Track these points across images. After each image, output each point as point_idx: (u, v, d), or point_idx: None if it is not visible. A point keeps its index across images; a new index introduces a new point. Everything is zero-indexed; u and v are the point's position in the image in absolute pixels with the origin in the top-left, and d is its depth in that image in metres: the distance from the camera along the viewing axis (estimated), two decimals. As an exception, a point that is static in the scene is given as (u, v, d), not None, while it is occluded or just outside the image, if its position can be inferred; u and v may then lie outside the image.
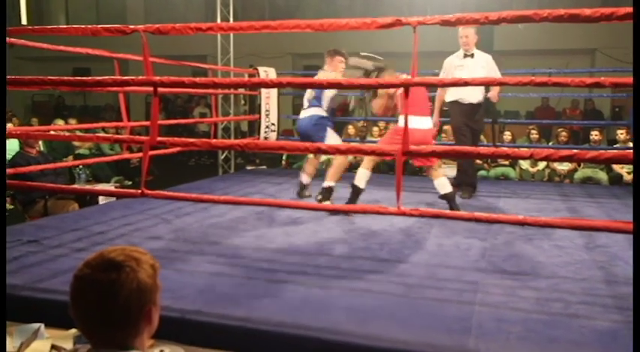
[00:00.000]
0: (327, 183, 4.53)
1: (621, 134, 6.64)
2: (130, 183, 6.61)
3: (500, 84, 2.98)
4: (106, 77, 3.17)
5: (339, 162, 4.57)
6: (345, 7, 12.20)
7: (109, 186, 6.06)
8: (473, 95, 5.12)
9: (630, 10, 2.36)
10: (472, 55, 5.10)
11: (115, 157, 5.27)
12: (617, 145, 6.85)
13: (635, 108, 2.12)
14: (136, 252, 1.18)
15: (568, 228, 2.64)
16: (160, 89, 3.37)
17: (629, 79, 2.72)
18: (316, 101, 4.65)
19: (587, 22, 2.53)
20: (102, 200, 5.17)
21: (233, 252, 3.41)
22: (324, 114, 4.66)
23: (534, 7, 2.70)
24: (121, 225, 4.07)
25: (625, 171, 6.62)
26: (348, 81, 3.77)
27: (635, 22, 2.14)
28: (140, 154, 4.10)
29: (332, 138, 4.58)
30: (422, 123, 4.25)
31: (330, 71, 4.68)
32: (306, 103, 4.72)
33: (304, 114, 4.70)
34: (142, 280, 1.14)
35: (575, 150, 2.65)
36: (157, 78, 2.97)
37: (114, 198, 5.05)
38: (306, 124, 4.64)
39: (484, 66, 5.02)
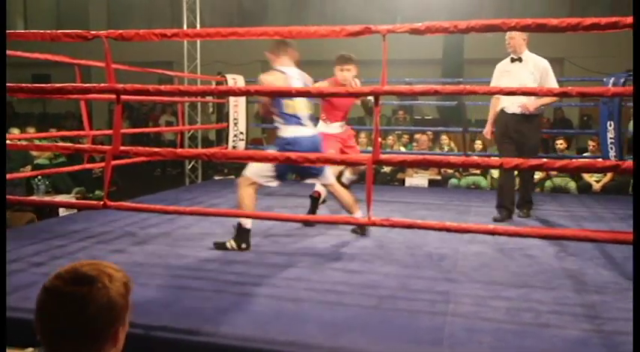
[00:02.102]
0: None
1: (593, 145, 6.75)
2: (91, 194, 6.41)
3: (470, 93, 2.97)
4: (67, 84, 3.06)
5: (341, 192, 3.88)
6: (315, 13, 12.18)
7: (70, 198, 5.86)
8: (514, 105, 4.63)
9: (596, 20, 2.38)
10: (520, 60, 4.63)
11: (77, 167, 5.10)
12: (586, 154, 6.97)
13: (636, 110, 2.13)
14: (110, 269, 1.14)
15: (540, 237, 2.63)
16: (124, 97, 3.27)
17: (597, 89, 2.75)
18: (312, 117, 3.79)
19: (554, 32, 2.55)
20: (62, 212, 5.00)
21: (200, 265, 3.32)
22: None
23: (504, 17, 2.71)
24: (82, 237, 3.92)
25: (594, 180, 6.74)
26: (316, 89, 3.72)
27: (635, 24, 2.15)
28: (102, 164, 3.98)
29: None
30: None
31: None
32: (307, 120, 3.68)
33: (308, 132, 3.66)
34: (112, 297, 1.10)
35: (544, 159, 2.67)
36: (120, 85, 2.88)
37: (75, 210, 4.89)
38: (317, 144, 3.67)
39: (533, 72, 4.51)
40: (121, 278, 1.14)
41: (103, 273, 1.11)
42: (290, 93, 3.41)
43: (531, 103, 4.53)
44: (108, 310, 1.09)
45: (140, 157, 4.51)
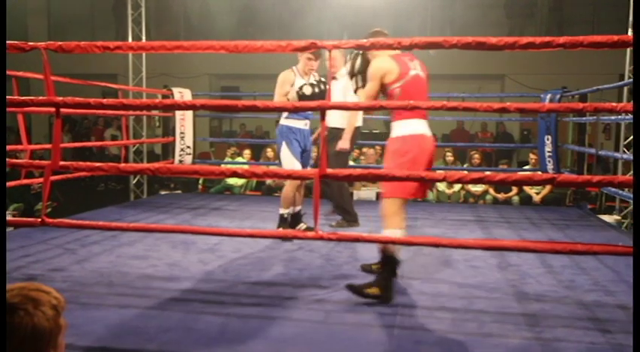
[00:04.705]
0: (282, 211, 4.41)
1: (534, 159, 7.02)
2: (32, 210, 6.15)
3: (414, 108, 3.02)
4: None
5: (284, 193, 4.41)
6: (262, 28, 12.13)
7: (6, 215, 5.60)
8: (330, 120, 4.29)
9: (531, 39, 2.50)
10: (335, 78, 4.71)
11: (13, 183, 4.88)
12: (527, 167, 7.22)
13: (635, 114, 2.21)
14: (36, 292, 1.08)
15: (484, 249, 2.70)
16: (64, 110, 3.16)
17: (533, 105, 2.86)
18: None
19: (493, 50, 2.65)
20: (-3, 230, 4.75)
21: (144, 283, 3.23)
22: (288, 123, 4.35)
23: (447, 34, 2.80)
24: (18, 256, 3.74)
25: (534, 192, 7.01)
26: (263, 103, 3.71)
27: (635, 27, 2.24)
28: (41, 180, 3.82)
29: (285, 156, 4.30)
30: (425, 127, 3.12)
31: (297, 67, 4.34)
32: None
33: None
34: (38, 324, 1.05)
35: (486, 173, 2.75)
36: (60, 98, 2.79)
37: (11, 228, 4.67)
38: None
39: (340, 89, 4.60)
40: (49, 301, 1.08)
41: (26, 299, 1.06)
42: (244, 109, 3.39)
43: (344, 140, 4.62)
44: (33, 338, 1.04)
45: (82, 172, 4.36)
